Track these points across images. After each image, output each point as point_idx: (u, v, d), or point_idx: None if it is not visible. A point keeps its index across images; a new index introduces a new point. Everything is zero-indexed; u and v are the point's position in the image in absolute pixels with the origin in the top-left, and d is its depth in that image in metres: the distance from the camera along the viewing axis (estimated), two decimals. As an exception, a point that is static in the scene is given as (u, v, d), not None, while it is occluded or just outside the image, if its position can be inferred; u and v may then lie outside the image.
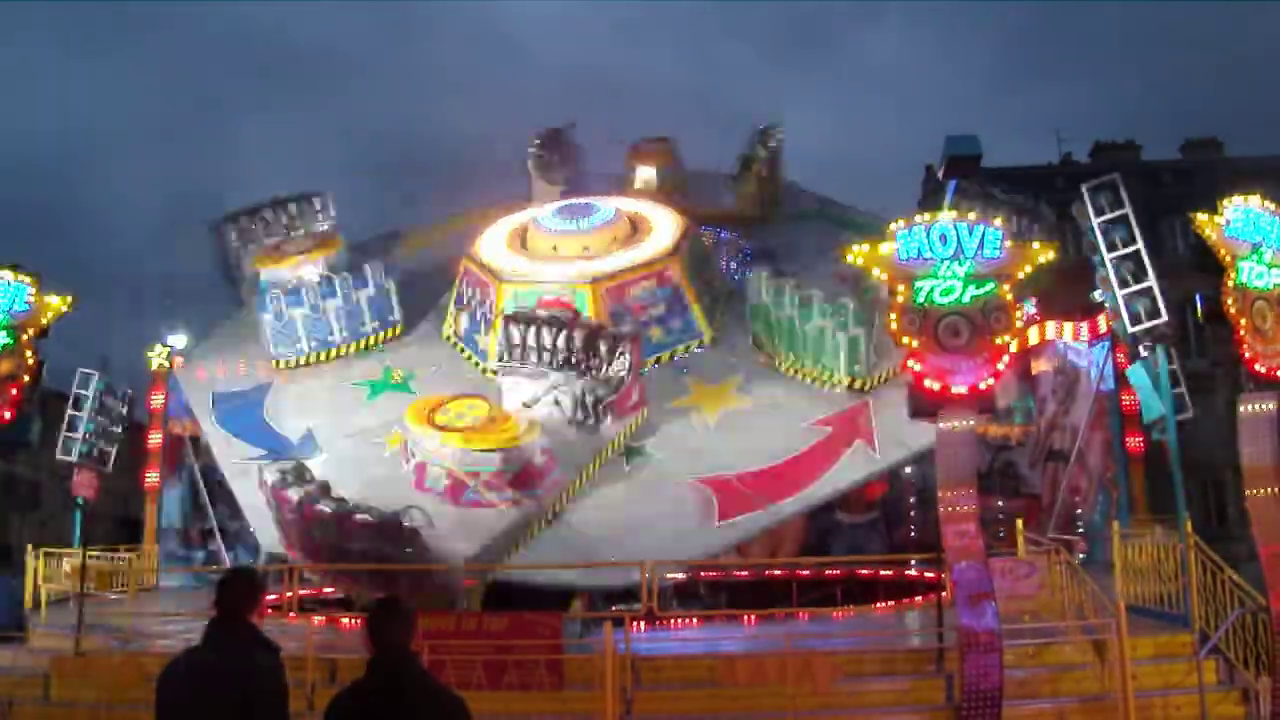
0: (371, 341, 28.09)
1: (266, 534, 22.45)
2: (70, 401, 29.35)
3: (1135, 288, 19.98)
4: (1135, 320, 19.93)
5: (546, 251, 27.62)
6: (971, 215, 14.77)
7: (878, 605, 22.37)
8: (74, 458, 28.83)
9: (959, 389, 14.16)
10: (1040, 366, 28.39)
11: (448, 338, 28.07)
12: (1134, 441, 26.13)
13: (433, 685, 6.28)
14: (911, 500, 27.93)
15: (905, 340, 14.34)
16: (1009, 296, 14.45)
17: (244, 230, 30.30)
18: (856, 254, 14.79)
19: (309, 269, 28.50)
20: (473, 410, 23.36)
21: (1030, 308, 25.82)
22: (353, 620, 20.31)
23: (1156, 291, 19.96)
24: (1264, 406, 15.52)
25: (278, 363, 27.64)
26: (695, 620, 20.63)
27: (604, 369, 23.53)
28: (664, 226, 28.15)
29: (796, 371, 25.31)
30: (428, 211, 33.73)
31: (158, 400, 30.01)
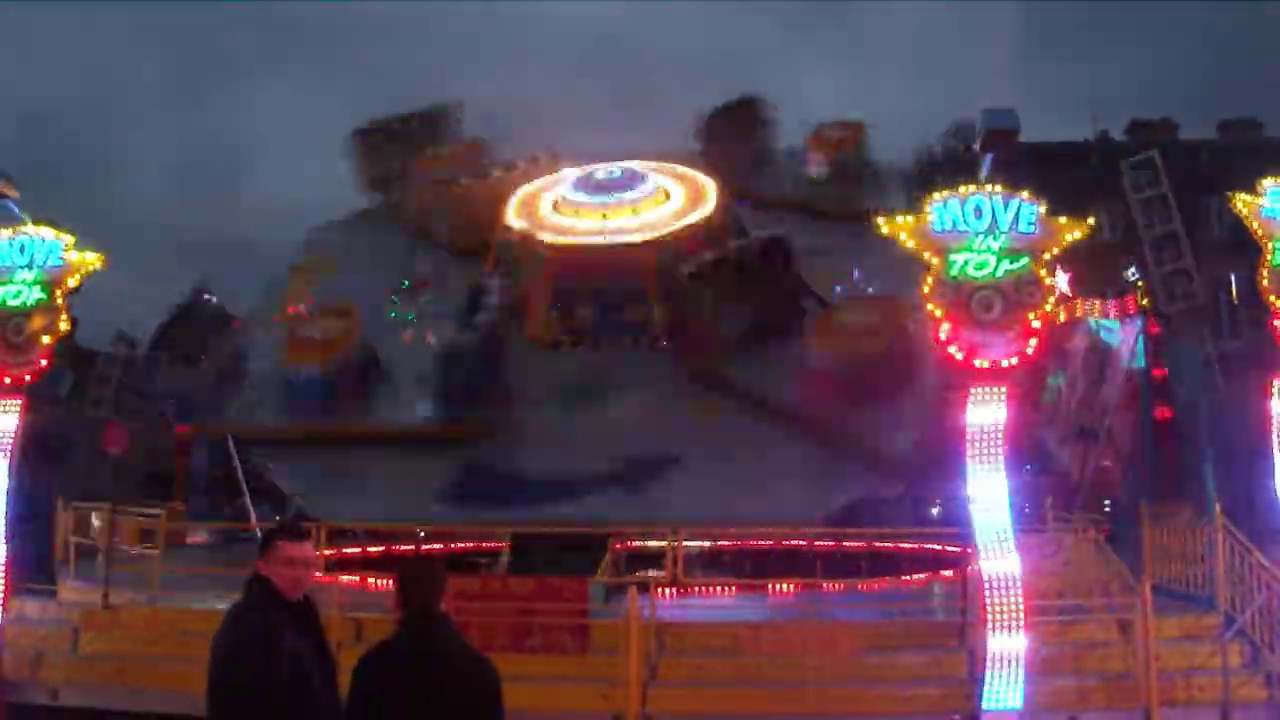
0: None
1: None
2: (101, 357, 29.51)
3: (1171, 266, 19.86)
4: (1170, 299, 19.81)
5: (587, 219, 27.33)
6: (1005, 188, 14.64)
7: (902, 579, 22.38)
8: (104, 413, 29.00)
9: (990, 363, 14.10)
10: (1072, 343, 28.26)
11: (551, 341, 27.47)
12: (1164, 421, 25.98)
13: (462, 647, 6.29)
14: (938, 474, 27.83)
15: (937, 313, 14.27)
16: (1043, 272, 14.36)
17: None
18: (890, 224, 14.71)
19: None
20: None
21: (1063, 284, 25.67)
22: (379, 580, 20.47)
23: (1193, 270, 19.84)
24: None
25: None
26: (720, 589, 20.67)
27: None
28: (680, 193, 27.82)
29: None
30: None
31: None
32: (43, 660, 16.70)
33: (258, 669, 5.92)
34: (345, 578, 20.60)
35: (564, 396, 24.52)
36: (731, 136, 30.86)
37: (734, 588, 20.87)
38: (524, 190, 28.93)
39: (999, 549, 13.77)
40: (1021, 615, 13.66)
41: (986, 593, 13.75)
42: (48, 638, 17.34)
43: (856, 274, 26.13)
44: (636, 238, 26.11)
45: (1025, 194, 14.47)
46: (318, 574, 6.51)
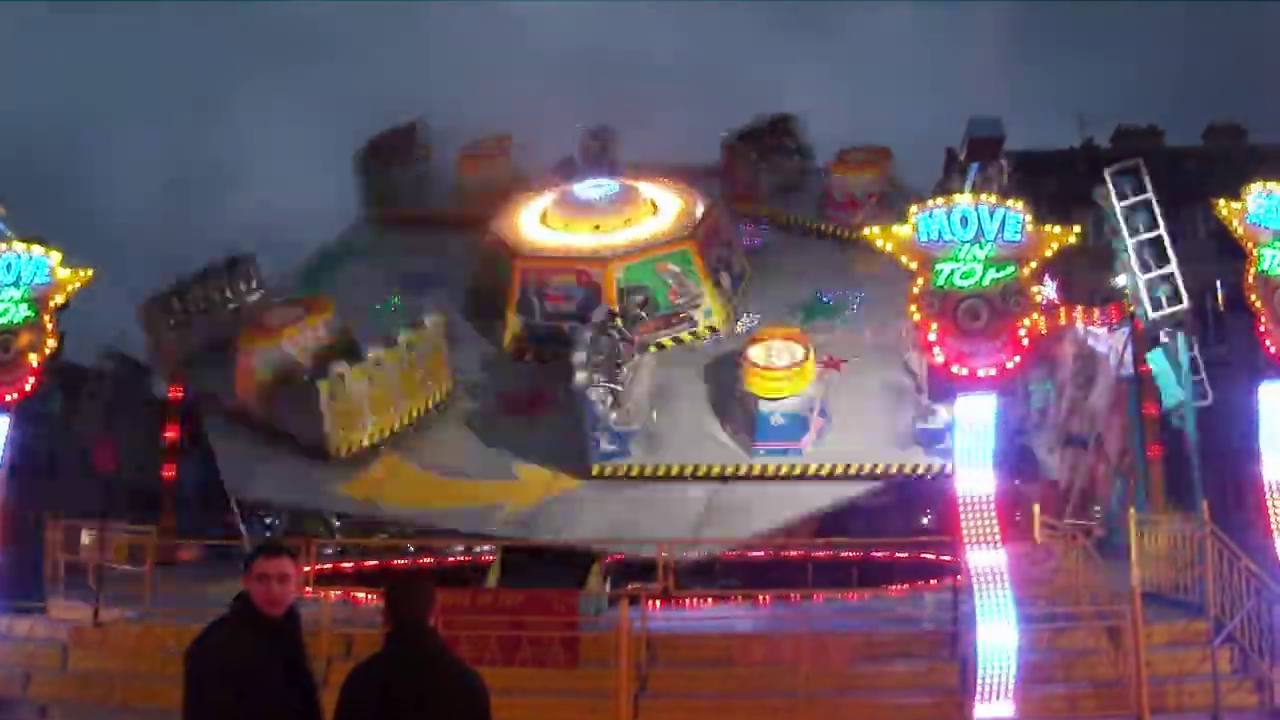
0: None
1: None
2: (91, 374, 29.41)
3: (1157, 273, 19.95)
4: (1156, 306, 19.89)
5: (561, 229, 27.24)
6: (992, 198, 14.70)
7: (892, 588, 22.39)
8: (93, 430, 28.87)
9: (978, 372, 14.14)
10: (1060, 351, 28.30)
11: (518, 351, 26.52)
12: (1152, 427, 26.05)
13: (450, 660, 6.30)
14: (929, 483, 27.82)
15: (924, 322, 14.31)
16: (1029, 280, 14.41)
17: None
18: (875, 235, 14.75)
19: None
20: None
21: (1050, 291, 25.74)
22: (368, 595, 20.46)
23: (1178, 277, 19.91)
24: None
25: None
26: (711, 600, 20.67)
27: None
28: (672, 207, 27.71)
29: None
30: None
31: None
32: (32, 678, 16.67)
33: (210, 680, 6.08)
34: (334, 592, 20.61)
35: None
36: (757, 157, 31.11)
37: (725, 598, 20.86)
38: (523, 210, 28.65)
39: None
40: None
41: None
42: (37, 655, 17.29)
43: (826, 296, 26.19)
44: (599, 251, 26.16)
45: (1012, 202, 14.53)
46: (293, 589, 6.47)
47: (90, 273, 17.72)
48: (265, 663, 6.16)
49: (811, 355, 22.09)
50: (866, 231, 14.97)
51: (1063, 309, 27.27)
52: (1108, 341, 26.94)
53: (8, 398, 17.13)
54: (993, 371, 14.19)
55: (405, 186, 32.71)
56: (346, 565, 25.45)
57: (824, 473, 21.47)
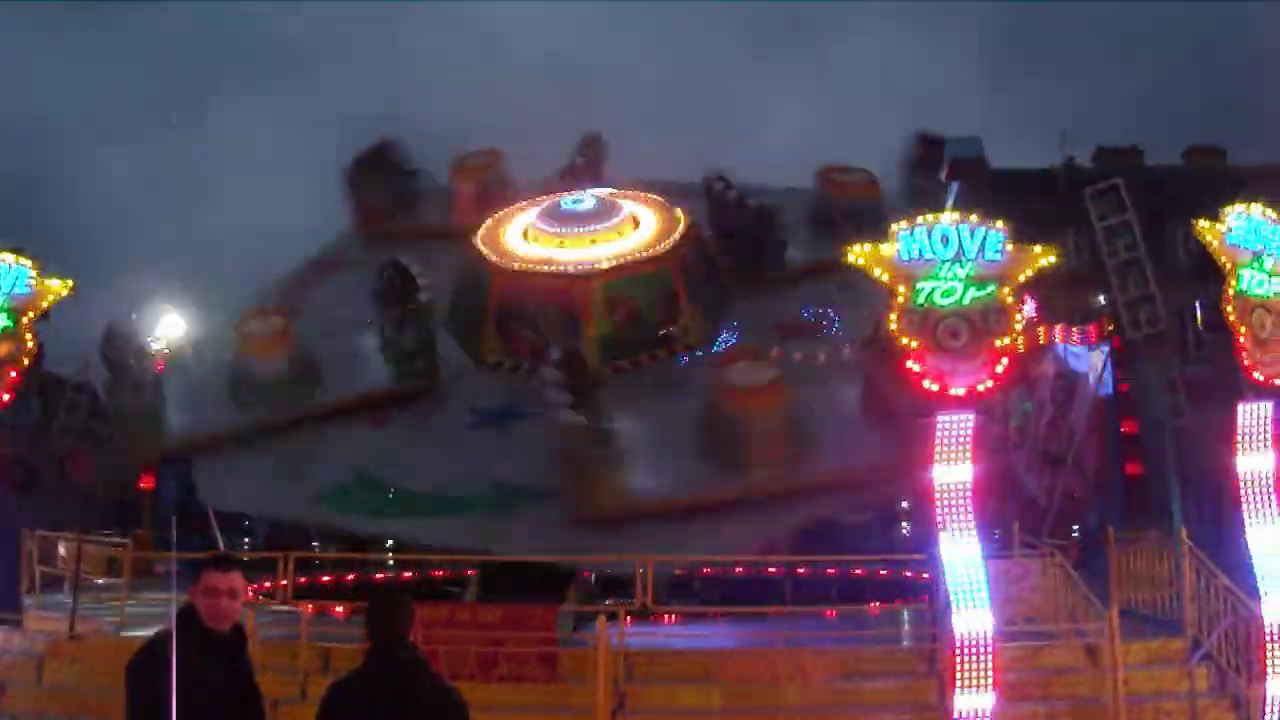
0: None
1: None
2: (69, 385, 29.26)
3: (1136, 293, 19.97)
4: (1135, 325, 19.92)
5: (553, 246, 27.18)
6: (973, 217, 14.74)
7: (870, 605, 22.38)
8: (71, 441, 28.75)
9: (957, 390, 14.17)
10: (1039, 370, 28.40)
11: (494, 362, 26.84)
12: (1130, 446, 26.17)
13: (431, 677, 6.30)
14: (905, 501, 27.84)
15: (904, 341, 14.33)
16: (1009, 299, 14.44)
17: None
18: (858, 254, 14.77)
19: None
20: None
21: (1030, 310, 25.81)
22: (346, 608, 20.36)
23: (1157, 297, 19.96)
24: (1262, 414, 15.55)
25: None
26: (689, 616, 20.64)
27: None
28: (651, 223, 27.67)
29: None
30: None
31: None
32: (6, 690, 16.58)
33: (144, 686, 6.28)
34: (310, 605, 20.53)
35: None
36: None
37: (703, 615, 20.83)
38: (494, 218, 28.75)
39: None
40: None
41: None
42: (12, 667, 17.19)
43: None
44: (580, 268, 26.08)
45: (996, 222, 14.56)
46: (240, 605, 6.43)
47: (71, 283, 17.67)
48: (210, 677, 6.15)
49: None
50: (847, 250, 14.97)
51: (1042, 327, 27.39)
52: (1087, 360, 27.07)
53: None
54: (971, 390, 14.22)
55: (392, 201, 32.57)
56: (325, 578, 25.36)
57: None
